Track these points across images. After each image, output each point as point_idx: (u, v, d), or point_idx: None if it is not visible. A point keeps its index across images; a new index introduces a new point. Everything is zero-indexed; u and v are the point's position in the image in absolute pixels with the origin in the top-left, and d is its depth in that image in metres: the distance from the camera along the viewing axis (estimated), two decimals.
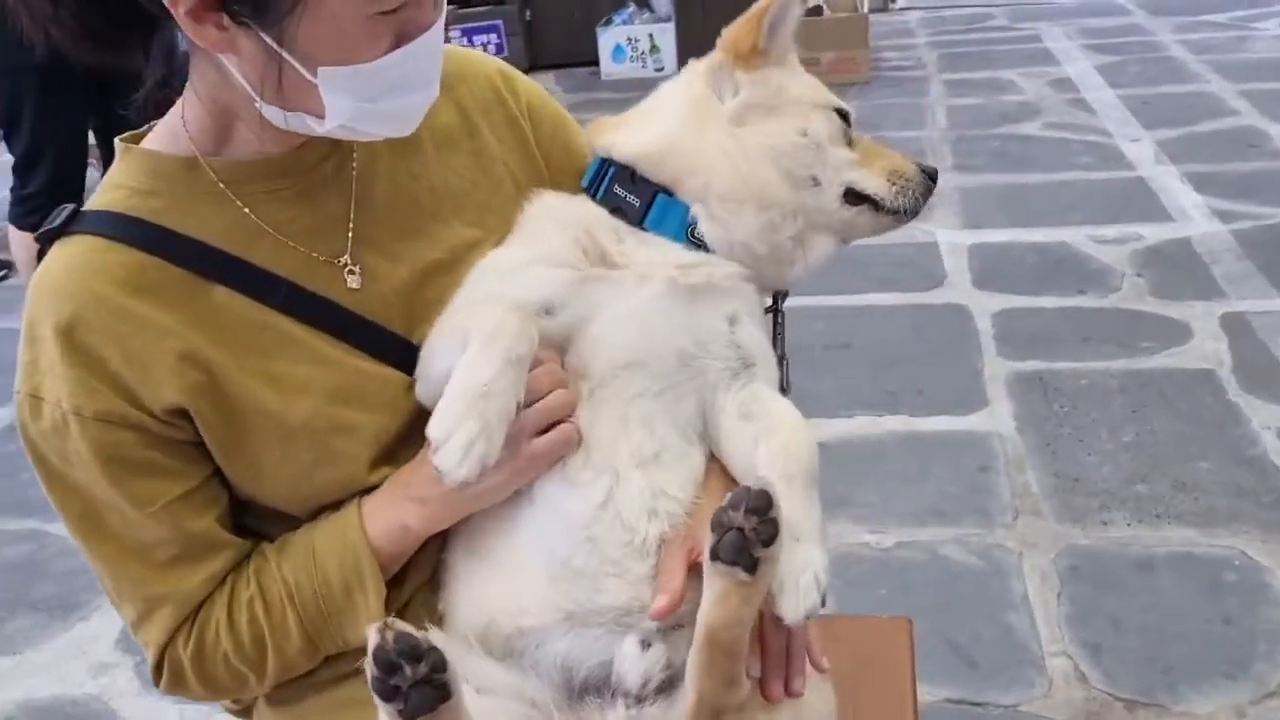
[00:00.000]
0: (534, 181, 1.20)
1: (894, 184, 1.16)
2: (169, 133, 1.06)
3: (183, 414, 1.00)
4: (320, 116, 0.97)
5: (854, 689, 1.21)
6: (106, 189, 1.05)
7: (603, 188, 1.15)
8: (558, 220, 1.13)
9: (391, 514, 1.05)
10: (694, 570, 0.99)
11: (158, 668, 1.07)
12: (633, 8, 7.61)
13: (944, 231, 4.26)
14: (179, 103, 1.06)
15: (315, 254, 1.07)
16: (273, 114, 0.98)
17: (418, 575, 1.12)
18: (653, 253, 1.10)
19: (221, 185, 1.04)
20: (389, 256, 1.10)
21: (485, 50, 7.54)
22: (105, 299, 0.98)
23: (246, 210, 1.04)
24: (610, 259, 1.10)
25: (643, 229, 1.12)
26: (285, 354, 1.03)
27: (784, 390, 1.15)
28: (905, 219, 1.18)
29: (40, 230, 1.02)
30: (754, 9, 1.15)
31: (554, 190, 1.19)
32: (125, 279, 0.99)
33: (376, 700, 0.84)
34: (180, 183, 1.04)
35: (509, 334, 0.98)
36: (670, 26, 7.27)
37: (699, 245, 1.11)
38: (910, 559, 2.52)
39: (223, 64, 0.97)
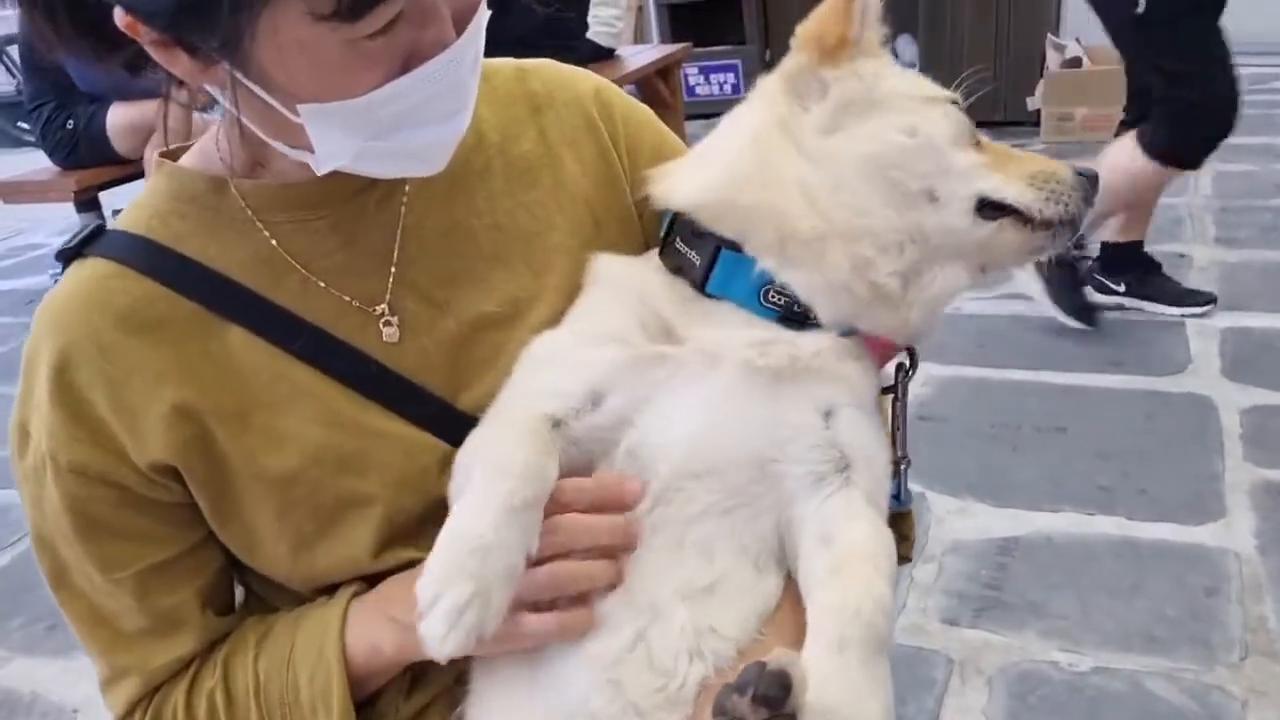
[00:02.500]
0: (622, 224, 1.02)
1: (1040, 189, 0.91)
2: (203, 151, 0.95)
3: (171, 472, 0.89)
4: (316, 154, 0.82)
5: None
6: (133, 207, 0.95)
7: (665, 243, 0.94)
8: (614, 289, 0.94)
9: (370, 630, 0.90)
10: None
11: None
12: None
13: (1194, 310, 3.78)
14: (216, 125, 0.95)
15: (347, 297, 0.93)
16: (283, 149, 0.84)
17: (442, 679, 0.96)
18: (719, 325, 0.89)
19: (249, 211, 0.91)
20: (434, 305, 0.95)
21: (721, 90, 7.57)
22: (101, 335, 0.87)
23: (274, 241, 0.92)
24: (674, 334, 0.89)
25: (705, 294, 0.90)
26: (297, 410, 0.90)
27: (897, 500, 0.92)
28: (1064, 233, 0.93)
29: (60, 249, 0.93)
30: None
31: (649, 234, 1.00)
32: (129, 313, 0.88)
33: None
34: (206, 206, 0.92)
35: (514, 473, 0.79)
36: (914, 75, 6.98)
37: (780, 313, 0.89)
38: (1108, 689, 2.15)
39: None
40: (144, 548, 0.91)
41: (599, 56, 5.66)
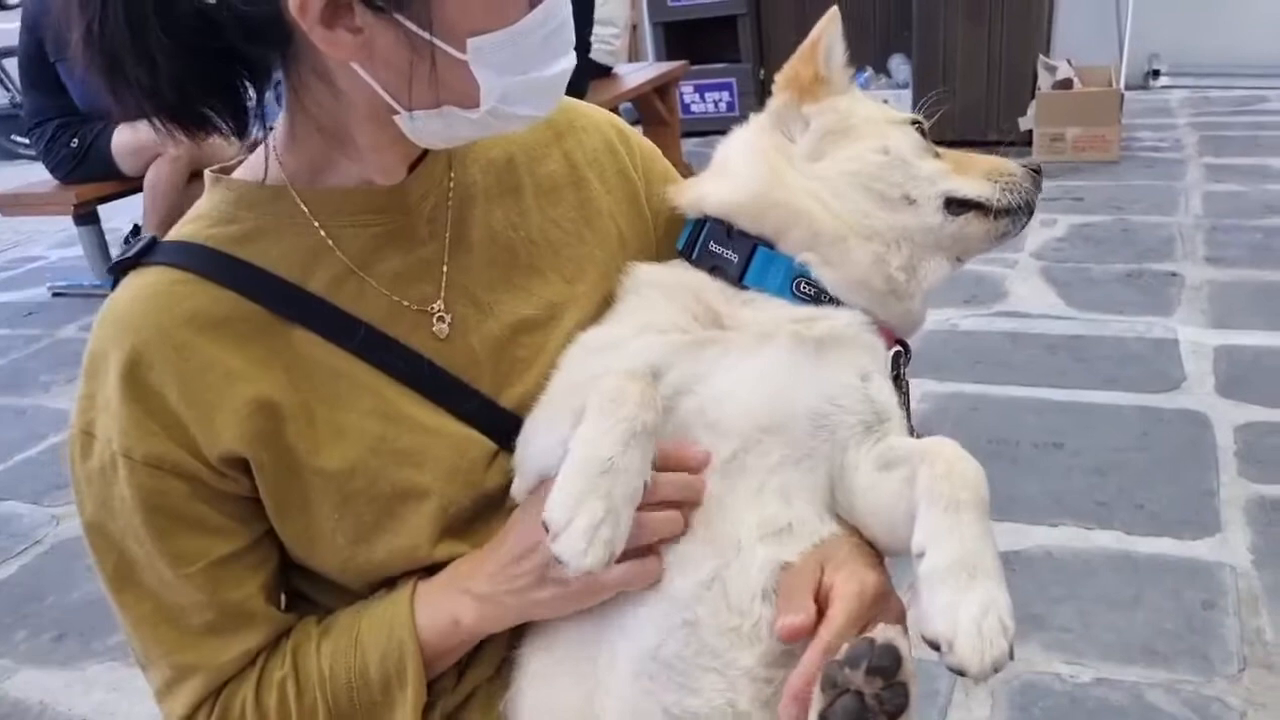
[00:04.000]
0: (641, 238, 1.11)
1: (996, 182, 1.06)
2: (258, 163, 0.98)
3: (240, 464, 0.92)
4: (470, 105, 0.88)
5: None
6: (188, 220, 0.98)
7: (699, 247, 1.04)
8: (660, 288, 1.03)
9: (445, 605, 0.94)
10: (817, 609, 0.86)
11: None
12: (870, 73, 7.44)
13: (1187, 329, 3.84)
14: (270, 136, 0.98)
15: (404, 300, 0.98)
16: (421, 121, 0.89)
17: (480, 670, 1.00)
18: (761, 310, 0.99)
19: (309, 214, 0.95)
20: (479, 308, 1.00)
21: (716, 107, 7.63)
22: (172, 335, 0.90)
23: (333, 245, 0.96)
24: (721, 322, 0.99)
25: (743, 287, 1.01)
26: (357, 405, 0.94)
27: None
28: (1021, 218, 1.09)
29: (115, 261, 0.96)
30: (805, 44, 1.12)
31: (661, 251, 1.09)
32: (196, 314, 0.92)
33: None
34: (266, 213, 0.96)
35: (631, 401, 0.86)
36: (907, 93, 7.05)
37: (806, 300, 1.00)
38: (1109, 700, 2.19)
39: (341, 80, 0.89)
40: (214, 541, 0.93)
41: (598, 74, 5.71)
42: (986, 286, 4.38)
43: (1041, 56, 6.39)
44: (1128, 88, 6.71)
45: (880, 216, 1.04)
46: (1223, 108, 7.47)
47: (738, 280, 1.03)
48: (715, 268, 1.04)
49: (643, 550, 0.90)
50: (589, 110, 1.18)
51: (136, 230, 5.45)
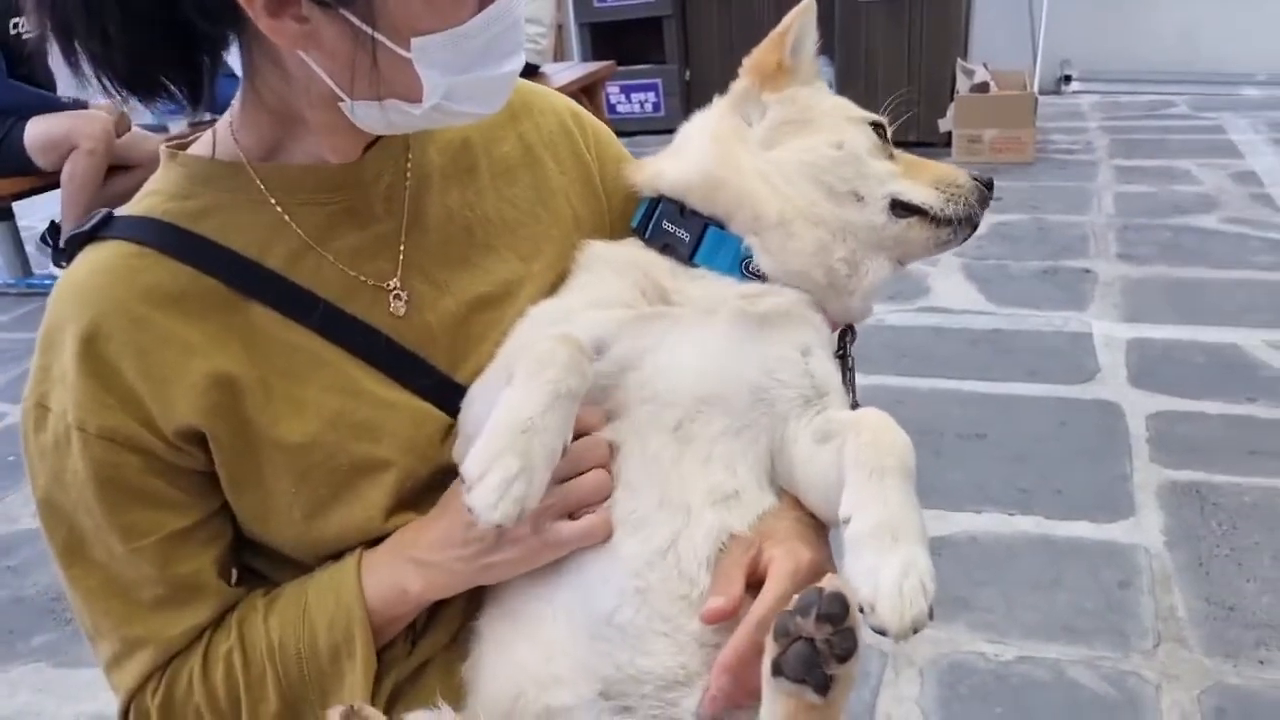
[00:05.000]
0: (596, 218, 1.13)
1: (943, 192, 1.07)
2: (214, 139, 0.98)
3: (196, 438, 0.92)
4: (413, 100, 0.89)
5: None
6: (144, 195, 0.98)
7: (652, 225, 1.06)
8: (611, 264, 1.05)
9: (391, 574, 0.95)
10: (751, 584, 0.89)
11: (124, 715, 0.98)
12: None
13: (1101, 323, 3.98)
14: (227, 112, 0.99)
15: (361, 276, 0.99)
16: (363, 111, 0.89)
17: (437, 637, 1.01)
18: (707, 286, 1.02)
19: (265, 191, 0.96)
20: (436, 285, 1.02)
21: (642, 108, 7.67)
22: (130, 308, 0.90)
23: (290, 221, 0.96)
24: (668, 298, 1.01)
25: (693, 265, 1.03)
26: (315, 379, 0.95)
27: None
28: (964, 230, 1.09)
29: (71, 234, 0.96)
30: (775, 31, 1.12)
31: (615, 231, 1.11)
32: (153, 288, 0.92)
33: None
34: (222, 188, 0.96)
35: (558, 364, 0.88)
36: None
37: (755, 279, 1.02)
38: (1032, 677, 2.27)
39: (290, 65, 0.89)
40: (167, 515, 0.93)
41: (524, 73, 5.70)
42: (910, 283, 4.48)
43: (959, 60, 6.55)
44: (1041, 93, 6.90)
45: (827, 207, 1.05)
46: (1132, 112, 7.72)
47: (689, 258, 1.05)
48: (667, 246, 1.06)
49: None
50: (544, 93, 1.19)
51: (53, 227, 5.31)
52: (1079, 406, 3.40)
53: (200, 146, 1.00)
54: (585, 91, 6.04)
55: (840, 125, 1.09)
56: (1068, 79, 8.51)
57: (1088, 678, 2.25)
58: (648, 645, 0.90)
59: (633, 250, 1.08)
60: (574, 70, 6.27)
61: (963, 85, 6.43)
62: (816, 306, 1.06)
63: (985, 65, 6.60)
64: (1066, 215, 5.29)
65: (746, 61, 1.13)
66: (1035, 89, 6.59)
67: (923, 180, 1.09)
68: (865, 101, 1.16)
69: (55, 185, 4.92)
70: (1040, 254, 4.78)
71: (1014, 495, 2.93)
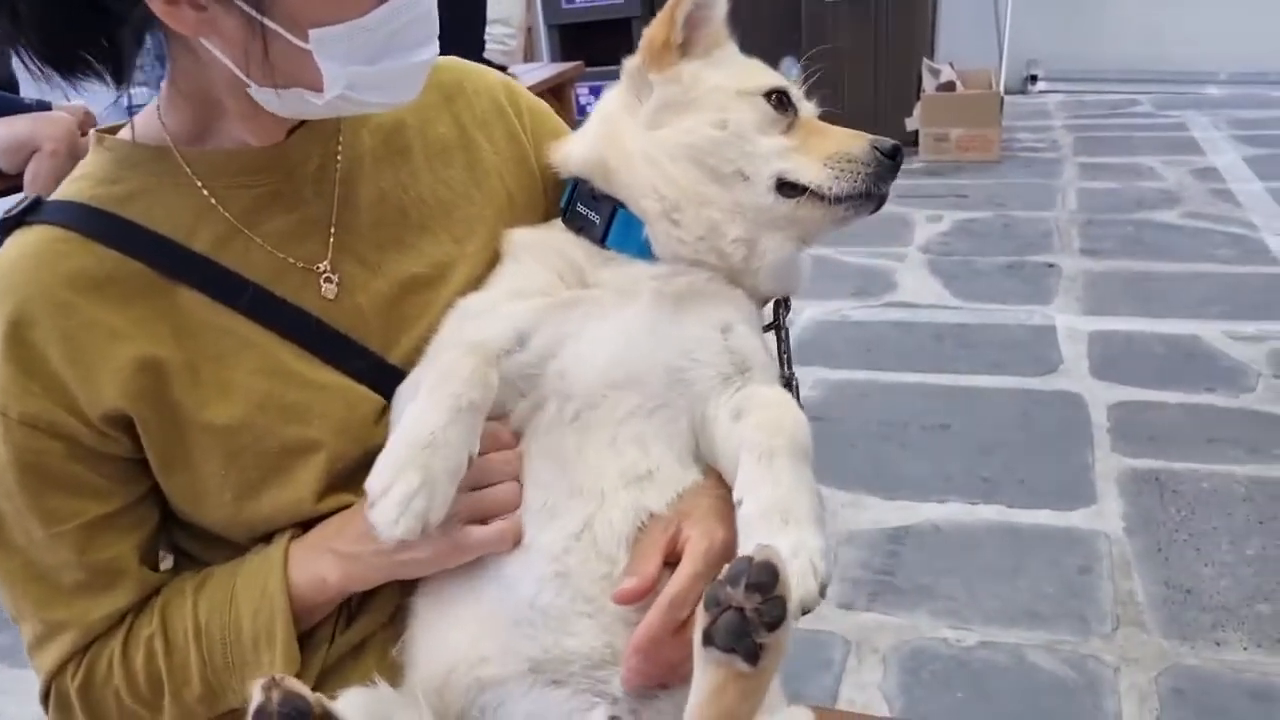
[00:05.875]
0: (531, 198, 1.13)
1: (833, 168, 1.01)
2: (143, 125, 0.98)
3: (123, 423, 0.92)
4: (315, 89, 0.89)
5: None
6: (72, 180, 0.98)
7: (570, 207, 1.06)
8: (531, 251, 1.05)
9: (314, 564, 0.95)
10: (670, 562, 0.89)
11: (45, 696, 0.98)
12: None
13: (1063, 316, 4.02)
14: (156, 97, 0.98)
15: (290, 258, 0.98)
16: (266, 97, 0.90)
17: (374, 616, 1.01)
18: (621, 269, 1.01)
19: (192, 175, 0.96)
20: (368, 267, 1.01)
21: None
22: (55, 294, 0.90)
23: (218, 205, 0.96)
24: (586, 282, 1.01)
25: (605, 247, 1.03)
26: (244, 362, 0.95)
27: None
28: (866, 205, 1.02)
29: None
30: (668, 4, 1.06)
31: (551, 211, 1.11)
32: (79, 273, 0.91)
33: None
34: (149, 173, 0.96)
35: (459, 378, 0.88)
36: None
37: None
38: (993, 662, 2.29)
39: (201, 51, 0.89)
40: (89, 501, 0.93)
41: None
42: (876, 279, 4.51)
43: (925, 60, 6.60)
44: (1007, 92, 6.96)
45: (713, 189, 1.01)
46: (1096, 111, 7.80)
47: (600, 241, 1.04)
48: (581, 229, 1.05)
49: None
50: (480, 72, 1.18)
51: None
52: (1042, 398, 3.43)
53: (128, 131, 1.00)
54: (554, 92, 6.04)
55: (725, 103, 1.03)
56: (1034, 79, 8.59)
57: (1048, 661, 2.28)
58: (571, 626, 0.90)
59: (553, 234, 1.08)
60: (543, 71, 6.26)
61: (929, 84, 6.47)
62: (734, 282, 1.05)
63: (951, 65, 6.66)
64: (1031, 212, 5.34)
65: (644, 33, 1.07)
66: (1001, 88, 6.65)
67: (816, 155, 1.02)
68: (832, 101, 1.13)
69: (18, 189, 4.87)
70: (1005, 249, 4.82)
71: (977, 485, 2.96)
